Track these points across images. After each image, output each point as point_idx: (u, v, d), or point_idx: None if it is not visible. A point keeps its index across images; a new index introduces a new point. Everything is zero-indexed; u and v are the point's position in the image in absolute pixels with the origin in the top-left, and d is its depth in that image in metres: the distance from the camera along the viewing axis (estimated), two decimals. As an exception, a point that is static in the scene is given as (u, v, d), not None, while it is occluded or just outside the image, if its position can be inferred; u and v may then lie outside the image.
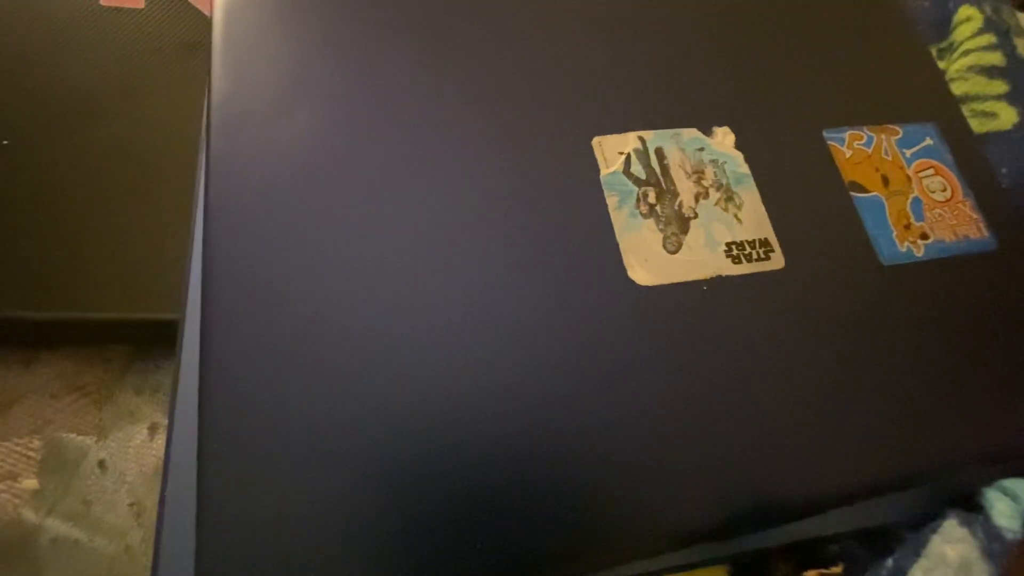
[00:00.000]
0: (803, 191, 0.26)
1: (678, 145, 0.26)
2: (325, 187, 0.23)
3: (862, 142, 0.28)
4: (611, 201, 0.24)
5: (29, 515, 0.20)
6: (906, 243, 0.26)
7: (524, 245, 0.23)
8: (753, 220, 0.25)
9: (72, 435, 0.22)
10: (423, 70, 0.25)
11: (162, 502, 0.19)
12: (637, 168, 0.25)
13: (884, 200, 0.27)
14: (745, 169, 0.26)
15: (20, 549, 0.20)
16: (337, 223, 0.22)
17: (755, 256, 0.24)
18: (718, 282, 0.23)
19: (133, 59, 0.25)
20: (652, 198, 0.25)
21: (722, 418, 0.22)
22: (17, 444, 0.21)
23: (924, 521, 0.23)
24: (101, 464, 0.21)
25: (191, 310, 0.21)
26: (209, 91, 0.23)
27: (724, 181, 0.25)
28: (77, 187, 0.24)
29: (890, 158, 0.28)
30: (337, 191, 0.23)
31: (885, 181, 0.27)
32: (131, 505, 0.21)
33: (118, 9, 0.26)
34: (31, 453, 0.21)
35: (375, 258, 0.22)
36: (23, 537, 0.20)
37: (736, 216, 0.25)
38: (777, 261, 0.24)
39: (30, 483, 0.21)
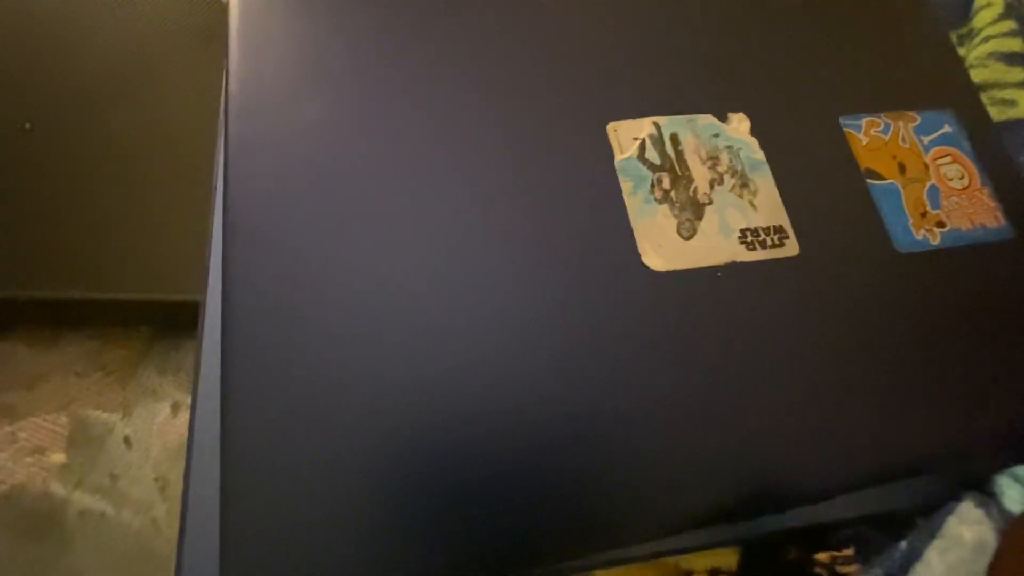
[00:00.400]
0: (819, 178, 0.26)
1: (693, 131, 0.26)
2: (341, 172, 0.23)
3: (879, 129, 0.27)
4: (626, 187, 0.24)
5: (57, 488, 0.21)
6: (922, 231, 0.26)
7: (539, 231, 0.23)
8: (768, 207, 0.25)
9: (97, 412, 0.22)
10: (438, 56, 0.25)
11: (186, 485, 0.19)
12: (652, 154, 0.25)
13: (900, 187, 0.26)
14: (760, 155, 0.26)
15: (49, 521, 0.20)
16: (354, 210, 0.23)
17: (770, 243, 0.24)
18: (732, 268, 0.24)
19: (152, 44, 0.26)
20: (667, 184, 0.25)
21: (734, 403, 0.22)
22: (45, 420, 0.22)
23: (935, 506, 0.23)
24: (126, 440, 0.22)
25: (212, 292, 0.22)
26: (227, 76, 0.24)
27: (739, 167, 0.25)
28: (100, 169, 0.24)
29: (907, 145, 0.27)
30: (353, 177, 0.23)
31: (902, 168, 0.27)
32: (156, 479, 0.21)
33: (142, -3, 0.27)
34: (58, 428, 0.22)
35: (391, 244, 0.22)
36: (52, 509, 0.20)
37: (751, 202, 0.25)
38: (792, 248, 0.24)
39: (58, 457, 0.21)
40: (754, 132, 0.26)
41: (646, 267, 0.23)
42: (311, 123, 0.24)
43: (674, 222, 0.24)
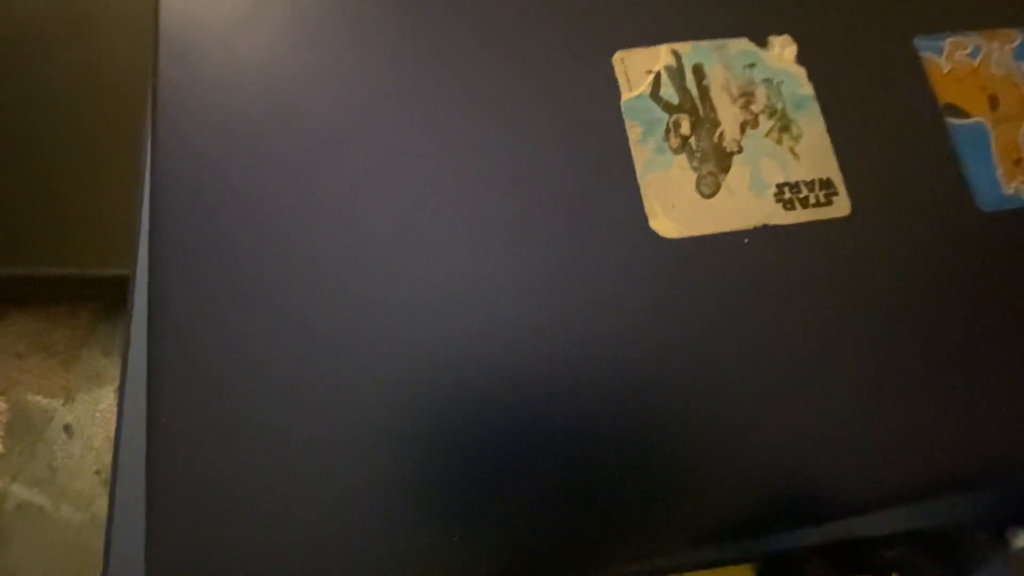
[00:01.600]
0: (882, 117, 0.21)
1: (723, 61, 0.21)
2: (292, 117, 0.19)
3: (966, 52, 0.22)
4: (633, 132, 0.20)
5: (-8, 481, 0.19)
6: (1014, 184, 0.20)
7: (524, 191, 0.19)
8: (814, 155, 0.20)
9: (39, 397, 0.20)
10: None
11: (114, 470, 0.17)
12: (668, 91, 0.20)
13: (990, 128, 0.21)
14: (807, 89, 0.21)
15: (-17, 516, 0.19)
16: (312, 161, 0.19)
17: (813, 200, 0.20)
18: (763, 233, 0.19)
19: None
20: (685, 128, 0.20)
21: (760, 399, 0.18)
22: (-20, 405, 0.20)
23: (999, 522, 0.19)
24: (67, 428, 0.20)
25: (141, 262, 0.19)
26: (157, 10, 0.20)
27: (779, 106, 0.20)
28: (37, 129, 0.22)
29: (1002, 73, 0.22)
30: (308, 122, 0.19)
31: (993, 103, 0.21)
32: (97, 472, 0.20)
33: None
34: (-6, 416, 0.20)
35: (351, 199, 0.19)
36: (-14, 504, 0.19)
37: (792, 150, 0.20)
38: (841, 207, 0.20)
39: (-8, 447, 0.20)
40: (801, 60, 0.21)
41: (654, 234, 0.19)
42: (254, 60, 0.20)
43: (692, 176, 0.19)
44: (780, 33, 0.21)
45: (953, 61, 0.21)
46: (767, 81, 0.21)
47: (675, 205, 0.19)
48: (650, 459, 0.17)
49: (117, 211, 0.21)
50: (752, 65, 0.21)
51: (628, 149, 0.19)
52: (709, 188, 0.19)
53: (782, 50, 0.21)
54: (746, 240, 0.19)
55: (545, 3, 0.21)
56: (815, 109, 0.20)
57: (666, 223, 0.19)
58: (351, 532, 0.16)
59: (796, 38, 0.21)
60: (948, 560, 0.19)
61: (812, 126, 0.20)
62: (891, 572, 0.18)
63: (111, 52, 0.23)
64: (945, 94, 0.21)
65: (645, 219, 0.19)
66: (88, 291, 0.22)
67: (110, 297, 0.23)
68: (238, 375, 0.17)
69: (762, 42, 0.21)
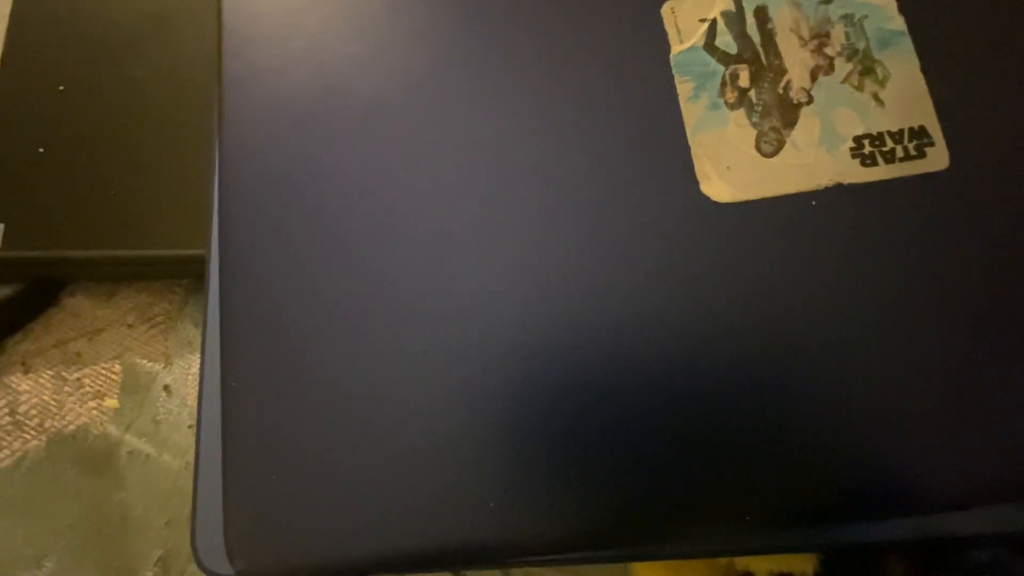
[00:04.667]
0: (993, 52, 0.17)
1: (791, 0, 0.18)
2: (339, 97, 0.20)
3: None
4: (683, 89, 0.18)
5: (112, 430, 0.23)
6: None
7: (570, 162, 0.18)
8: (904, 101, 0.17)
9: (144, 361, 0.23)
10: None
11: (199, 430, 0.19)
12: (726, 39, 0.18)
13: None
14: (898, 23, 0.18)
15: (107, 459, 0.22)
16: (363, 144, 0.20)
17: (901, 154, 0.17)
18: (836, 194, 0.17)
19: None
20: (744, 80, 0.18)
21: (837, 375, 0.16)
22: (103, 368, 0.24)
23: None
24: (167, 388, 0.23)
25: (214, 245, 0.21)
26: (219, 9, 0.21)
27: (861, 45, 0.18)
28: (130, 125, 0.24)
29: None
30: (353, 103, 0.20)
31: None
32: (190, 426, 0.22)
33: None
34: (113, 376, 0.23)
35: (402, 180, 0.19)
36: (108, 449, 0.22)
37: (876, 96, 0.17)
38: (938, 159, 0.17)
39: (112, 402, 0.23)
40: (891, -11, 0.18)
41: (705, 198, 0.17)
42: (305, 49, 0.21)
43: (752, 133, 0.18)
44: (865, -41, 0.18)
45: (1102, -30, 0.17)
46: (846, 17, 0.18)
47: (730, 167, 0.17)
48: (708, 440, 0.16)
49: (201, 196, 0.23)
50: (827, 1, 0.18)
51: (678, 108, 0.18)
52: (771, 146, 0.17)
53: (867, -21, 0.18)
54: (813, 202, 0.17)
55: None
56: (907, 46, 0.18)
57: (719, 186, 0.17)
58: (414, 495, 0.17)
59: (886, -37, 0.18)
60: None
61: (902, 67, 0.17)
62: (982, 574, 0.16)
63: (187, 54, 0.25)
64: (1088, 13, 0.17)
65: (696, 183, 0.18)
66: (182, 269, 0.25)
67: (200, 274, 0.25)
68: (306, 339, 0.18)
69: (841, -28, 0.18)
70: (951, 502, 0.16)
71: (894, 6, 0.18)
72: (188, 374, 0.23)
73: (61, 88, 0.24)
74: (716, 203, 0.17)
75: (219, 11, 0.21)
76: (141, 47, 0.25)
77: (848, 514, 0.17)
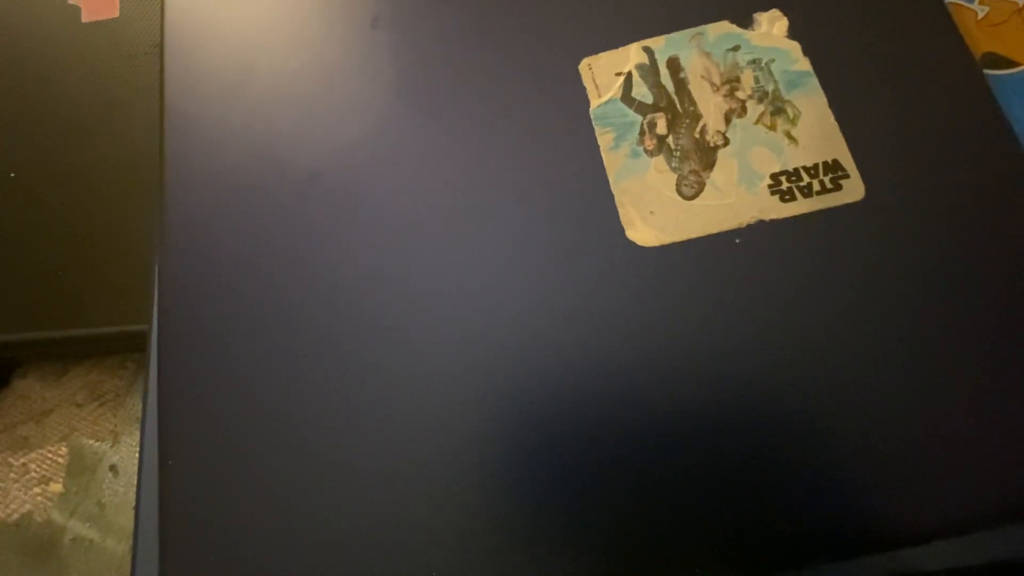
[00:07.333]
0: (900, 82, 0.18)
1: (701, 48, 0.19)
2: (285, 174, 0.21)
3: (1009, -10, 0.18)
4: (604, 140, 0.19)
5: (56, 516, 0.22)
6: (1088, 136, 0.17)
7: (497, 213, 0.19)
8: (815, 137, 0.18)
9: (92, 441, 0.23)
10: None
11: (137, 513, 0.19)
12: (641, 90, 0.19)
13: (1047, 74, 0.17)
14: (804, 64, 0.18)
15: (49, 548, 0.22)
16: (302, 213, 0.20)
17: (818, 187, 0.17)
18: (758, 230, 0.17)
19: (110, 71, 0.26)
20: (662, 127, 0.19)
21: (765, 410, 0.16)
22: (49, 451, 0.23)
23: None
24: (112, 468, 0.22)
25: (155, 319, 0.21)
26: (162, 87, 0.22)
27: (770, 87, 0.18)
28: (79, 208, 0.25)
29: (1062, 6, 0.18)
30: (297, 177, 0.20)
31: (1050, 44, 0.18)
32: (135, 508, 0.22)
33: (97, 23, 0.26)
34: (59, 459, 0.23)
35: (341, 246, 0.19)
36: (52, 537, 0.22)
37: (788, 134, 0.18)
38: (854, 190, 0.17)
39: (57, 487, 0.23)
40: (793, 34, 0.19)
41: (631, 244, 0.18)
42: (254, 101, 0.21)
43: (672, 178, 0.18)
44: (767, 8, 0.19)
45: (990, 3, 0.18)
46: (754, 62, 0.19)
47: (653, 211, 0.18)
48: (648, 488, 0.16)
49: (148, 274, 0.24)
50: (735, 48, 0.19)
51: (601, 158, 0.18)
52: (692, 188, 0.18)
53: (770, 26, 0.19)
54: (737, 240, 0.17)
55: (513, 22, 0.21)
56: (813, 85, 0.18)
57: (644, 231, 0.18)
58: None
59: (786, 10, 0.19)
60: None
61: (811, 105, 0.18)
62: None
63: (130, 135, 0.26)
64: (982, 42, 0.18)
65: (621, 229, 0.18)
66: (133, 344, 0.25)
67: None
68: (243, 413, 0.18)
69: (745, 22, 0.19)
70: (919, 536, 0.16)
71: (799, 48, 0.19)
72: (136, 452, 0.23)
73: (12, 175, 0.25)
74: (642, 248, 0.17)
75: (161, 92, 0.22)
76: (90, 134, 0.26)
77: (812, 556, 0.16)
